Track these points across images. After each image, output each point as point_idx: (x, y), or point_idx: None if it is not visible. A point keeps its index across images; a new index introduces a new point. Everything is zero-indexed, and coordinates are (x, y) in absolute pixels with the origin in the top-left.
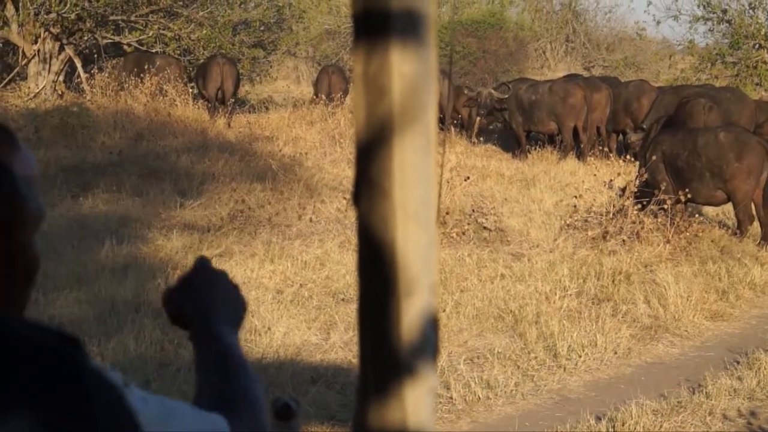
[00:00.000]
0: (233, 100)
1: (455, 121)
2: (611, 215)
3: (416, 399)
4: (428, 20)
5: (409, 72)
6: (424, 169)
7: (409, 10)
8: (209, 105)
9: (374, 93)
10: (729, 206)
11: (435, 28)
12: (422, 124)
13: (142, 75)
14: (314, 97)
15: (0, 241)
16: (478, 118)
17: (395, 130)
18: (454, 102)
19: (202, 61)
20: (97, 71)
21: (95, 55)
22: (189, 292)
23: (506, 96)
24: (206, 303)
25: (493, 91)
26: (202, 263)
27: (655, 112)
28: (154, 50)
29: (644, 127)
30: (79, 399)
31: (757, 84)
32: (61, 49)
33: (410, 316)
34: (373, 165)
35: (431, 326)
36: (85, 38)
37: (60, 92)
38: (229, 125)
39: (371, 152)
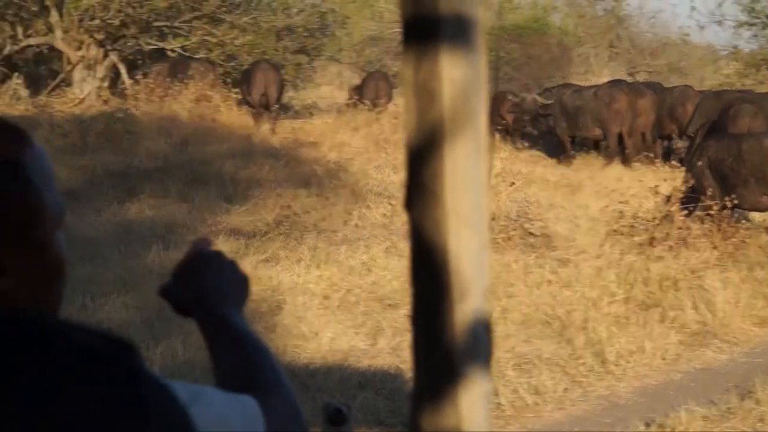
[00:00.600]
0: (277, 106)
1: (499, 127)
2: (657, 221)
3: (471, 404)
4: (478, 25)
5: (459, 77)
6: (476, 174)
7: (458, 15)
8: (254, 111)
9: (424, 99)
10: None
11: (485, 33)
12: (473, 129)
13: (184, 81)
14: (353, 100)
15: (17, 240)
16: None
17: (446, 135)
18: (498, 108)
19: (246, 67)
20: (141, 77)
21: (139, 61)
22: (188, 278)
23: (550, 102)
24: (208, 287)
25: (537, 97)
26: (198, 247)
27: (698, 117)
28: (197, 56)
29: (691, 135)
30: (134, 405)
31: None
32: (106, 55)
33: (463, 321)
34: (424, 170)
35: (484, 331)
36: (130, 44)
37: (105, 98)
38: (273, 131)
39: (422, 157)
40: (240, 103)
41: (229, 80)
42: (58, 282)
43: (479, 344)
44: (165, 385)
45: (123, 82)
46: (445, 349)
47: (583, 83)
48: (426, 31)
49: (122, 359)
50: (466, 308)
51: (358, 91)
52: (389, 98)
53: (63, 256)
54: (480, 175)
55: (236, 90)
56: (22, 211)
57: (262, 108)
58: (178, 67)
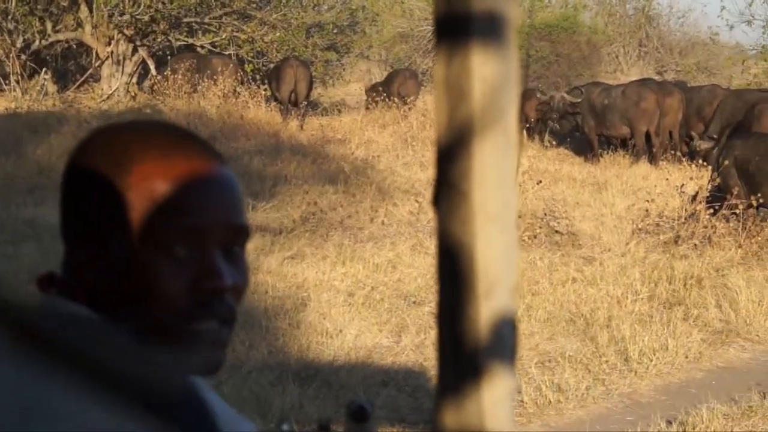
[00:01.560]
0: (306, 103)
1: (527, 125)
2: (683, 220)
3: (494, 402)
4: (510, 23)
5: (490, 75)
6: (504, 172)
7: (490, 13)
8: (282, 107)
9: (455, 96)
10: None
11: (516, 31)
12: (502, 128)
13: (208, 77)
14: (375, 99)
15: (95, 239)
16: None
17: (475, 133)
18: (524, 105)
19: (275, 63)
20: (170, 73)
21: (168, 57)
22: None
23: (579, 100)
24: None
25: (565, 95)
26: None
27: (719, 116)
28: (227, 52)
29: (714, 136)
30: (164, 402)
31: None
32: (135, 50)
33: (489, 319)
34: (452, 168)
35: (510, 329)
36: (159, 40)
37: (133, 94)
38: (301, 128)
39: (451, 155)
40: (268, 99)
41: (257, 77)
42: (139, 303)
43: (504, 343)
44: (194, 382)
45: (151, 78)
46: (470, 347)
47: (611, 82)
48: (458, 28)
49: (158, 360)
50: (492, 306)
51: (386, 88)
52: (417, 95)
53: (154, 281)
54: (508, 174)
55: (265, 87)
56: (98, 215)
57: (290, 105)
58: (201, 64)
